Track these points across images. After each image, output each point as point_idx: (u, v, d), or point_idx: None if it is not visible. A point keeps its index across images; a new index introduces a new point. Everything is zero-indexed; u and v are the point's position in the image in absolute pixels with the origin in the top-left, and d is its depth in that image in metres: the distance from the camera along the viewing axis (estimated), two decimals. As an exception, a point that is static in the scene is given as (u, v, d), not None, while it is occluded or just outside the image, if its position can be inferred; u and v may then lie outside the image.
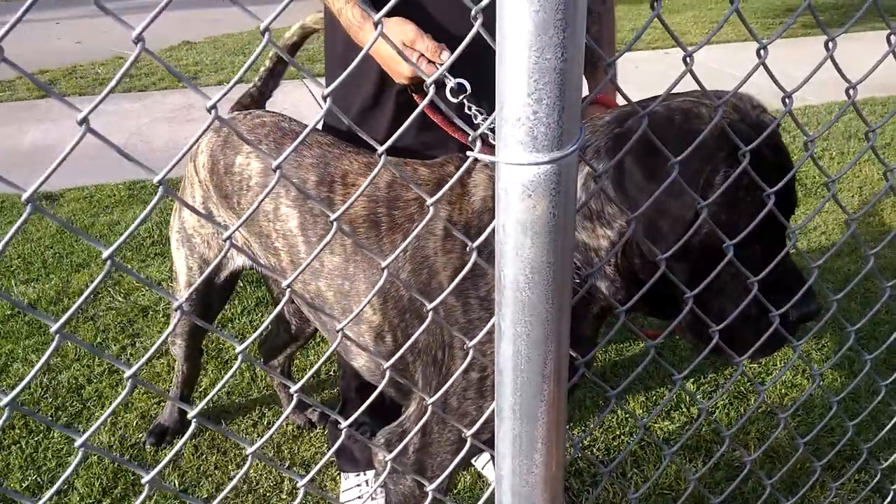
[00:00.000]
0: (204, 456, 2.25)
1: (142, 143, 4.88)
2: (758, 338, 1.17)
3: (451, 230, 1.13)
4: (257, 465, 2.22)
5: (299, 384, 0.73)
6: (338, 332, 0.82)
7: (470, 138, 0.74)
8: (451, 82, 1.39)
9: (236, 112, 1.87)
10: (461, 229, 1.34)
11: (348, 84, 1.77)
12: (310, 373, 0.86)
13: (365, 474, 2.11)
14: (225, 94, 0.59)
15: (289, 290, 0.70)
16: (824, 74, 0.96)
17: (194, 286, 0.82)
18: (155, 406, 2.45)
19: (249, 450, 0.73)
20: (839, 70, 0.96)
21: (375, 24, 0.66)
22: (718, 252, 1.06)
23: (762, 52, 0.85)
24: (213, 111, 0.59)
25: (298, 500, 0.83)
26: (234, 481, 0.80)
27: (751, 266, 1.12)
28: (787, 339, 1.19)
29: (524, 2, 0.64)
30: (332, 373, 2.63)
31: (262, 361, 2.43)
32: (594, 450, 2.30)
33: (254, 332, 2.84)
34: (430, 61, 1.46)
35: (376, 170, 0.72)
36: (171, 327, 1.16)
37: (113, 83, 0.52)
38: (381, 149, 0.70)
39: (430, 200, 0.75)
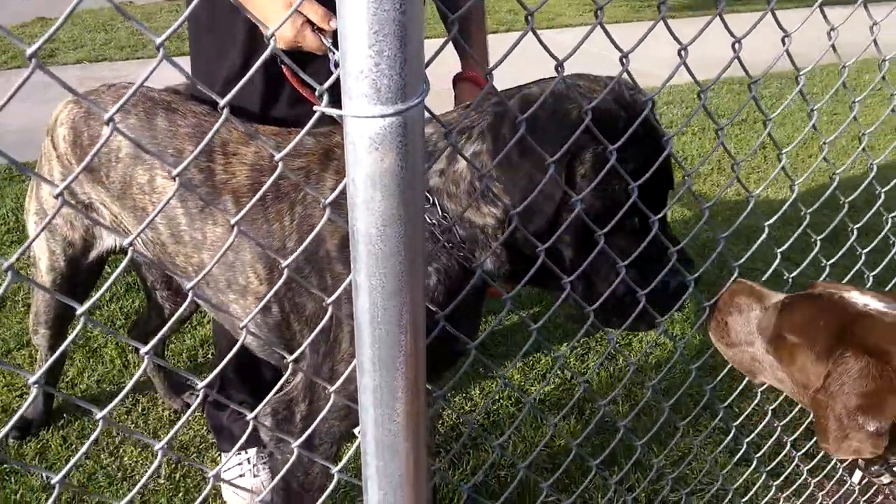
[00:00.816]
0: (73, 447, 2.15)
1: (-7, 124, 4.53)
2: (636, 308, 1.23)
3: (305, 188, 1.12)
4: (132, 452, 2.14)
5: (149, 346, 0.72)
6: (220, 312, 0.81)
7: (317, 92, 0.74)
8: (334, 55, 1.36)
9: (100, 85, 1.77)
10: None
11: (213, 53, 1.71)
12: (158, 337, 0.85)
13: (246, 452, 2.08)
14: (45, 40, 0.57)
15: (130, 248, 0.68)
16: (689, 56, 1.04)
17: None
18: (17, 399, 2.31)
19: (99, 415, 0.71)
20: (673, 35, 1.03)
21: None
22: (597, 225, 1.11)
23: (598, 13, 0.90)
24: (32, 60, 0.57)
25: (156, 463, 0.82)
26: (83, 451, 0.78)
27: (630, 239, 1.19)
28: (670, 306, 1.29)
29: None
30: (209, 355, 2.57)
31: (133, 348, 2.34)
32: (474, 414, 2.37)
33: (124, 318, 2.72)
34: (315, 29, 1.41)
35: (216, 126, 0.71)
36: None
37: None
38: (222, 102, 0.69)
39: (277, 156, 0.75)
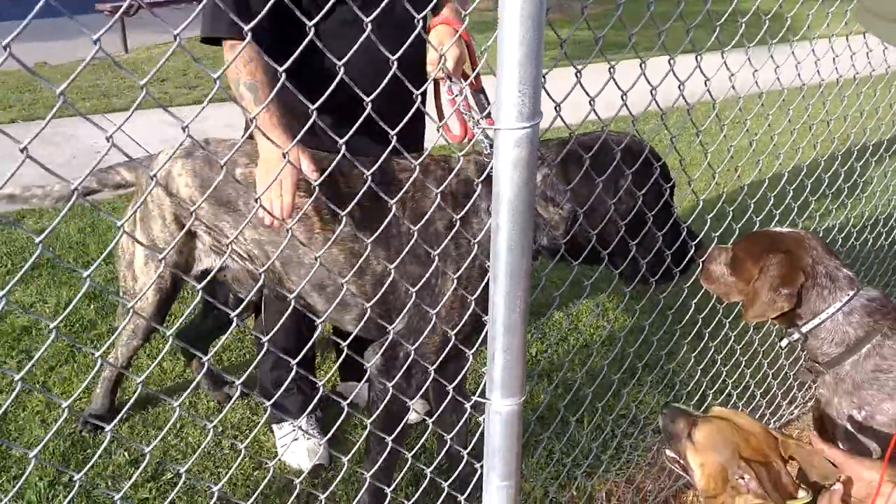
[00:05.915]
0: (141, 433, 2.54)
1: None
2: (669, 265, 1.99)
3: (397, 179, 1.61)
4: (194, 432, 2.56)
5: (209, 356, 1.25)
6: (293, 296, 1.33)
7: (478, 119, 1.31)
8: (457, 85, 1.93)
9: (202, 140, 2.10)
10: (450, 195, 1.91)
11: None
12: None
13: (297, 421, 2.54)
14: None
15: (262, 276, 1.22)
16: (614, 95, 1.67)
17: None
18: (55, 421, 2.66)
19: (138, 379, 1.23)
20: (625, 87, 1.69)
21: (284, 155, 1.23)
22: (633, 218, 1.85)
23: (613, 70, 1.53)
24: (109, 140, 1.12)
25: (174, 417, 1.33)
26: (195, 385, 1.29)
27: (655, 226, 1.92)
28: (692, 259, 2.04)
29: (514, 37, 1.24)
30: (246, 354, 3.00)
31: (181, 349, 2.75)
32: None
33: (169, 319, 3.10)
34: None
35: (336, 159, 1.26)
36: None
37: None
38: (184, 123, 1.26)
39: (367, 173, 1.32)
